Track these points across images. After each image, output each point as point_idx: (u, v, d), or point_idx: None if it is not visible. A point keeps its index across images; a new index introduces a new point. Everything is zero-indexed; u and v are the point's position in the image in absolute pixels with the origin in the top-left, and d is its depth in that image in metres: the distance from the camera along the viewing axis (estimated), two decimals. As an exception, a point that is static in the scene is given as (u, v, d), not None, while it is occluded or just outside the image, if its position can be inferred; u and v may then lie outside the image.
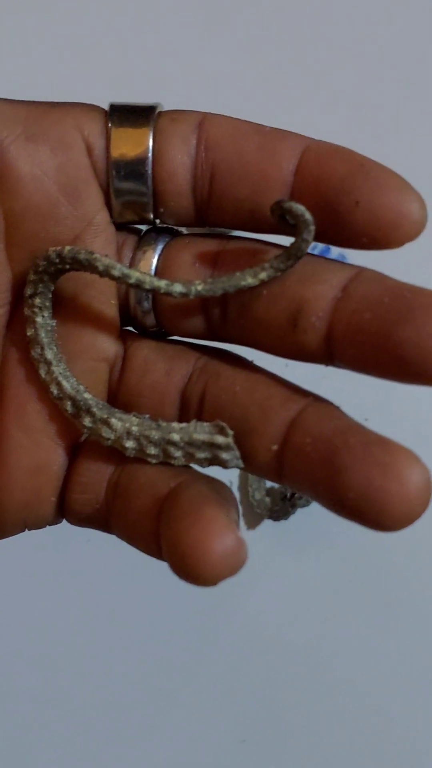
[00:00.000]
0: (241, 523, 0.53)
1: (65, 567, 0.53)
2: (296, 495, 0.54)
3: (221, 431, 0.25)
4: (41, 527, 0.27)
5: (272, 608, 0.53)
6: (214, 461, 0.25)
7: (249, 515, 0.54)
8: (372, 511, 0.21)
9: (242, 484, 0.55)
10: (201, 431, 0.25)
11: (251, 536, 0.54)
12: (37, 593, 0.53)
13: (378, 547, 0.52)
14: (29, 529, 0.27)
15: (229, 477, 0.52)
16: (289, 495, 0.54)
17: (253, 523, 0.54)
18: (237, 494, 0.54)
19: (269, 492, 0.55)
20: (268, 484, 0.55)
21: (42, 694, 0.52)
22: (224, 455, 0.25)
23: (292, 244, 0.24)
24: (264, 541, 0.54)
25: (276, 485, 0.55)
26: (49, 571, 0.53)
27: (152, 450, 0.25)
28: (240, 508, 0.53)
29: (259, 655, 0.52)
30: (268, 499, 0.54)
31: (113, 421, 0.25)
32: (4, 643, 0.52)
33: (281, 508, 0.54)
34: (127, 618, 0.53)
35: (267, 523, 0.54)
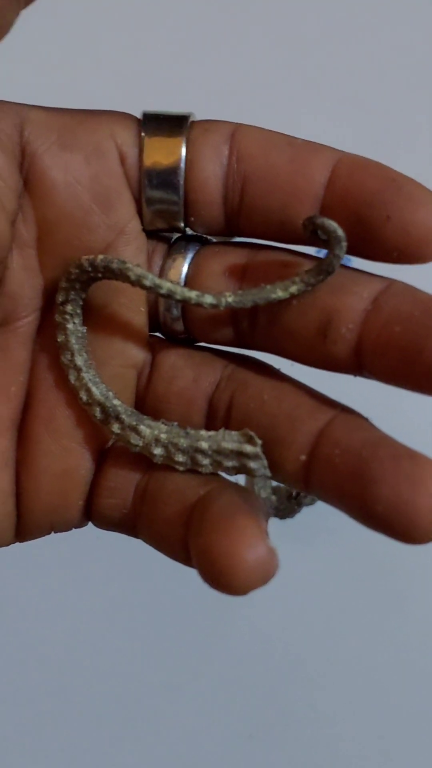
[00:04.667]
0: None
1: (72, 564, 0.53)
2: (302, 494, 0.55)
3: (250, 440, 0.25)
4: (67, 530, 0.28)
5: (279, 605, 0.53)
6: (242, 470, 0.25)
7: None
8: (400, 524, 0.22)
9: (248, 482, 0.55)
10: (229, 440, 0.25)
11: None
12: (44, 591, 0.53)
13: (384, 545, 0.52)
14: (55, 532, 0.27)
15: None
16: (294, 494, 0.55)
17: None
18: (244, 493, 0.54)
19: (275, 490, 0.55)
20: (274, 482, 0.56)
21: (53, 688, 0.52)
22: (252, 464, 0.25)
23: (324, 260, 0.24)
24: (270, 539, 0.54)
25: (282, 484, 0.56)
26: (56, 568, 0.53)
27: (180, 457, 0.25)
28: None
29: (265, 652, 0.52)
30: (274, 498, 0.54)
31: (142, 428, 0.26)
32: (13, 640, 0.53)
33: (287, 507, 0.54)
34: (135, 615, 0.53)
35: (273, 522, 0.54)
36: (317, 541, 0.54)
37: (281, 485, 0.55)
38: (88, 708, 0.52)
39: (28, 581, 0.53)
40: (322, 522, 0.54)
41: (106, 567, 0.53)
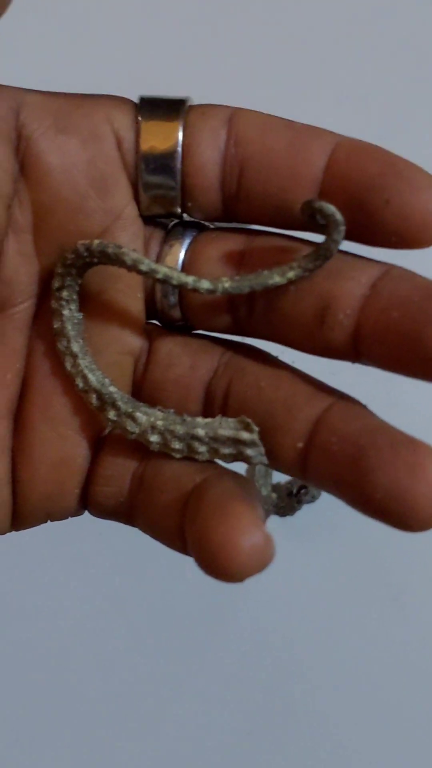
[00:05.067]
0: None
1: (72, 559, 0.53)
2: (302, 491, 0.54)
3: (246, 427, 0.25)
4: (64, 518, 0.27)
5: (278, 603, 0.53)
6: (239, 457, 0.25)
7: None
8: (398, 511, 0.21)
9: (248, 476, 0.55)
10: (226, 427, 0.25)
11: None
12: (41, 584, 0.53)
13: (384, 542, 0.52)
14: (52, 521, 0.27)
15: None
16: (295, 491, 0.55)
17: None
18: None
19: (275, 488, 0.55)
20: (274, 479, 0.55)
21: (50, 684, 0.52)
22: (249, 451, 0.25)
23: (322, 245, 0.24)
24: (266, 526, 0.54)
25: (282, 481, 0.55)
26: (52, 562, 0.53)
27: (177, 444, 0.25)
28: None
29: (265, 649, 0.52)
30: (274, 495, 0.54)
31: (138, 414, 0.25)
32: (13, 636, 0.52)
33: (287, 504, 0.54)
34: (134, 610, 0.53)
35: (273, 519, 0.54)
36: (317, 538, 0.54)
37: (281, 482, 0.55)
38: (86, 702, 0.52)
39: (24, 573, 0.53)
40: (323, 519, 0.54)
41: (104, 561, 0.53)
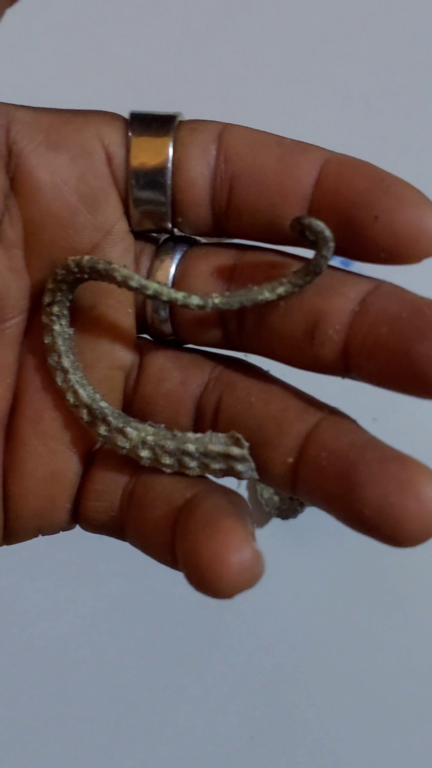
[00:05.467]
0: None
1: (72, 564, 0.53)
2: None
3: (237, 442, 0.25)
4: (55, 533, 0.27)
5: (280, 606, 0.53)
6: (229, 472, 0.25)
7: (257, 514, 0.54)
8: (388, 527, 0.21)
9: (250, 482, 0.55)
10: (216, 442, 0.25)
11: (259, 534, 0.54)
12: (40, 593, 0.53)
13: (386, 546, 0.52)
14: (43, 535, 0.27)
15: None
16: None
17: (261, 521, 0.54)
18: (245, 493, 0.54)
19: (277, 491, 0.55)
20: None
21: (50, 690, 0.52)
22: (239, 467, 0.25)
23: (311, 261, 0.24)
24: (272, 539, 0.54)
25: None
26: (56, 569, 0.53)
27: (167, 460, 0.25)
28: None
29: (266, 653, 0.52)
30: (276, 498, 0.54)
31: (129, 430, 0.25)
32: (12, 642, 0.53)
33: (289, 507, 0.54)
34: (135, 615, 0.53)
35: (275, 522, 0.54)
36: (319, 541, 0.54)
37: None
38: (87, 709, 0.52)
39: (23, 582, 0.53)
40: (325, 522, 0.54)
41: (103, 568, 0.53)
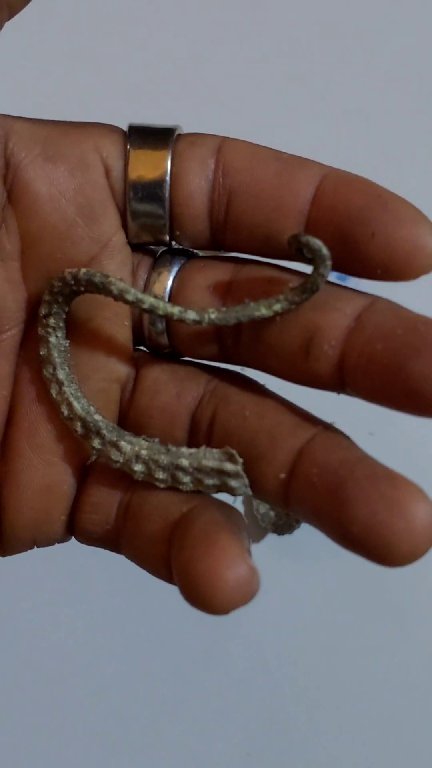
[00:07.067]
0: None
1: (69, 578, 0.53)
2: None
3: (230, 458, 0.24)
4: (50, 545, 0.27)
5: (276, 622, 0.52)
6: (223, 488, 0.25)
7: (253, 529, 0.54)
8: (376, 546, 0.21)
9: (246, 497, 0.55)
10: (210, 458, 0.25)
11: (255, 550, 0.54)
12: (40, 605, 0.53)
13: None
14: (38, 546, 0.27)
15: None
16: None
17: (257, 536, 0.54)
18: (241, 508, 0.54)
19: (273, 506, 0.54)
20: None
21: (45, 706, 0.52)
22: (233, 482, 0.25)
23: (308, 278, 0.24)
24: (268, 555, 0.53)
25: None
26: (53, 581, 0.53)
27: (161, 474, 0.25)
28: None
29: (263, 669, 0.52)
30: (272, 513, 0.54)
31: (122, 443, 0.25)
32: (8, 655, 0.52)
33: (285, 523, 0.54)
34: (131, 631, 0.52)
35: (271, 537, 0.54)
36: (315, 557, 0.53)
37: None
38: (82, 726, 0.51)
39: (19, 597, 0.53)
40: (321, 538, 0.53)
41: (98, 584, 0.53)
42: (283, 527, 0.54)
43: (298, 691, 0.52)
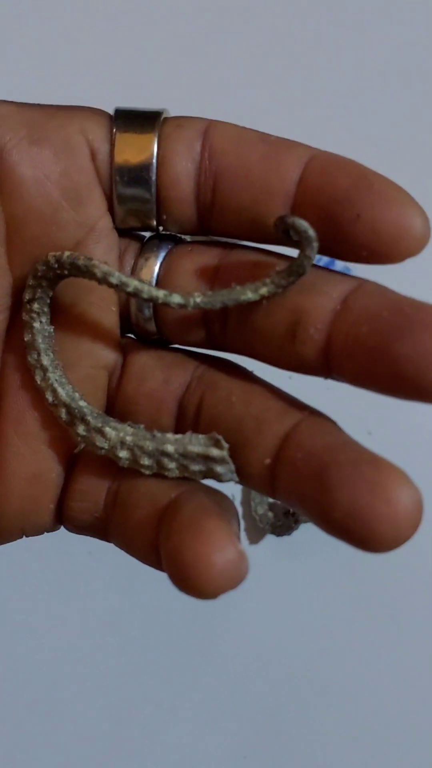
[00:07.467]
0: (243, 537, 0.53)
1: (66, 579, 0.53)
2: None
3: (216, 444, 0.24)
4: (39, 534, 0.27)
5: (274, 623, 0.52)
6: (209, 474, 0.25)
7: (251, 530, 0.54)
8: (359, 530, 0.21)
9: (245, 498, 0.54)
10: (196, 443, 0.24)
11: (253, 551, 0.53)
12: (37, 605, 0.53)
13: (380, 563, 0.51)
14: (27, 536, 0.27)
15: (232, 491, 0.52)
16: (292, 510, 0.54)
17: (255, 537, 0.54)
18: (239, 508, 0.54)
19: (272, 507, 0.54)
20: (271, 498, 0.55)
21: (40, 707, 0.51)
22: (219, 468, 0.24)
23: (295, 261, 0.23)
24: (266, 556, 0.53)
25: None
26: (49, 583, 0.53)
27: (146, 461, 0.25)
28: (242, 522, 0.53)
29: (260, 671, 0.52)
30: (270, 514, 0.54)
31: (107, 430, 0.25)
32: (3, 656, 0.52)
33: (284, 524, 0.53)
34: (127, 632, 0.52)
35: (269, 538, 0.54)
36: (314, 558, 0.53)
37: (278, 501, 0.54)
38: (78, 728, 0.51)
39: (13, 596, 0.53)
40: (319, 539, 0.53)
41: (94, 583, 0.53)
42: (282, 528, 0.53)
43: (294, 692, 0.51)
